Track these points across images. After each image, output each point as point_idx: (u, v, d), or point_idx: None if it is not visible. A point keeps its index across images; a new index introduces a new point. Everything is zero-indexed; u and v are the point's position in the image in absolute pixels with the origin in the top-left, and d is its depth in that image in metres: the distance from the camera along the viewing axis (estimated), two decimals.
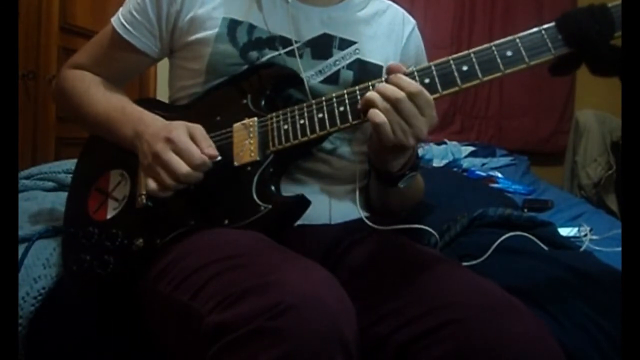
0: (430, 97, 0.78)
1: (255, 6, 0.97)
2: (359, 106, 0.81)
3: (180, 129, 0.85)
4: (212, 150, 0.85)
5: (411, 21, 1.09)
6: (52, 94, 1.15)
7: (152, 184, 0.85)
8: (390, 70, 0.80)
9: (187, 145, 0.83)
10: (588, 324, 0.84)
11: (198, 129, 0.86)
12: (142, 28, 0.98)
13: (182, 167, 0.83)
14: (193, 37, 0.96)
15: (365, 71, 0.97)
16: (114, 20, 1.00)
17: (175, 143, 0.83)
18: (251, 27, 0.95)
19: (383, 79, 0.82)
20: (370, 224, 0.89)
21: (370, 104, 0.78)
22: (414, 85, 0.77)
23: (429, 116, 0.78)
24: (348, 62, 0.97)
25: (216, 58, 0.94)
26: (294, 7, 0.97)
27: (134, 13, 0.98)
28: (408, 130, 0.77)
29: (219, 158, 0.86)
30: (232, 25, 0.95)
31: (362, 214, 0.92)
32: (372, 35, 1.02)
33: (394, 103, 0.76)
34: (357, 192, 0.96)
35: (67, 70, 1.05)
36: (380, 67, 0.99)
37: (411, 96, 0.76)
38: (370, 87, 0.82)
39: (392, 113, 0.76)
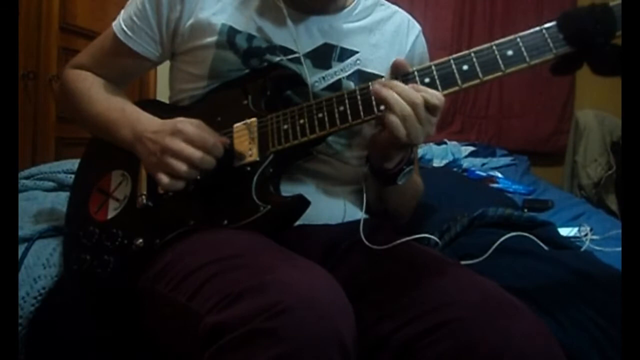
0: (442, 97, 0.78)
1: (254, 16, 0.96)
2: (372, 98, 0.81)
3: (184, 122, 0.86)
4: (220, 136, 0.86)
5: (416, 27, 1.08)
6: (55, 93, 1.16)
7: (165, 178, 0.84)
8: (396, 68, 0.81)
9: (197, 132, 0.84)
10: (588, 324, 0.84)
11: (201, 122, 0.87)
12: (142, 33, 0.98)
13: (196, 152, 0.83)
14: (194, 44, 0.96)
15: (366, 82, 0.96)
16: (114, 25, 1.00)
17: (184, 133, 0.84)
18: (250, 37, 0.95)
19: (387, 77, 0.82)
20: (368, 244, 0.87)
21: (389, 106, 0.77)
22: (439, 97, 0.77)
23: (437, 116, 0.79)
24: (348, 73, 0.97)
25: (218, 65, 0.94)
26: (293, 18, 0.96)
27: (135, 18, 0.98)
28: (421, 132, 0.77)
29: (228, 142, 0.87)
30: (231, 32, 0.94)
31: (362, 219, 0.92)
32: (375, 44, 1.01)
33: (413, 107, 0.76)
34: (365, 195, 0.96)
35: (70, 70, 1.06)
36: (382, 77, 0.98)
37: (433, 107, 0.77)
38: (370, 86, 0.82)
39: (412, 118, 0.76)
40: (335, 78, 0.96)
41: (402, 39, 1.05)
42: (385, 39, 1.02)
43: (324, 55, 0.96)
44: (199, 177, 0.88)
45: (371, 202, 1.01)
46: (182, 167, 0.83)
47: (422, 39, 1.08)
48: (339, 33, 0.98)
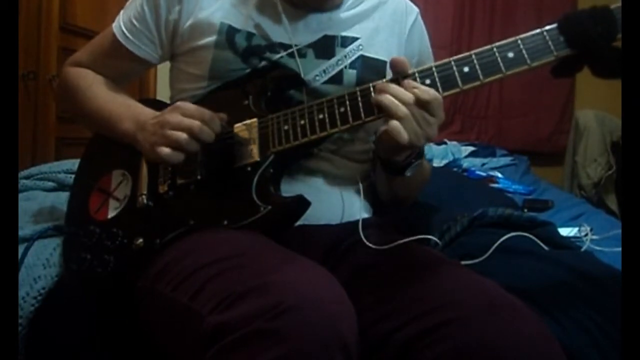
0: (441, 98, 0.78)
1: (253, 14, 0.96)
2: (372, 99, 0.80)
3: (183, 102, 0.88)
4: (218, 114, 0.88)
5: (414, 10, 1.08)
6: (54, 91, 1.16)
7: (165, 149, 0.84)
8: (394, 65, 0.81)
9: (195, 107, 0.86)
10: (588, 324, 0.84)
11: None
12: (142, 36, 0.99)
13: (195, 122, 0.84)
14: (193, 44, 0.96)
15: (369, 68, 0.97)
16: (114, 26, 1.01)
17: (182, 108, 0.86)
18: (249, 35, 0.95)
19: (389, 78, 0.82)
20: (368, 244, 0.87)
21: (386, 110, 0.77)
22: (430, 92, 0.77)
23: (439, 117, 0.79)
24: (351, 60, 0.97)
25: (218, 64, 0.95)
26: (291, 15, 0.96)
27: (134, 21, 0.98)
28: (420, 133, 0.77)
29: (225, 118, 0.89)
30: (230, 31, 0.95)
31: (362, 220, 0.92)
32: (375, 28, 1.01)
33: (408, 107, 0.76)
34: (362, 192, 0.96)
35: (70, 67, 1.06)
36: (384, 62, 0.98)
37: (425, 103, 0.77)
38: (371, 88, 0.82)
39: (409, 119, 0.76)
40: (337, 69, 0.96)
41: (401, 21, 1.05)
42: (385, 23, 1.02)
43: (326, 46, 0.97)
44: (199, 177, 0.88)
45: (380, 190, 1.02)
46: (182, 135, 0.84)
47: (420, 21, 1.08)
48: (338, 23, 0.98)
